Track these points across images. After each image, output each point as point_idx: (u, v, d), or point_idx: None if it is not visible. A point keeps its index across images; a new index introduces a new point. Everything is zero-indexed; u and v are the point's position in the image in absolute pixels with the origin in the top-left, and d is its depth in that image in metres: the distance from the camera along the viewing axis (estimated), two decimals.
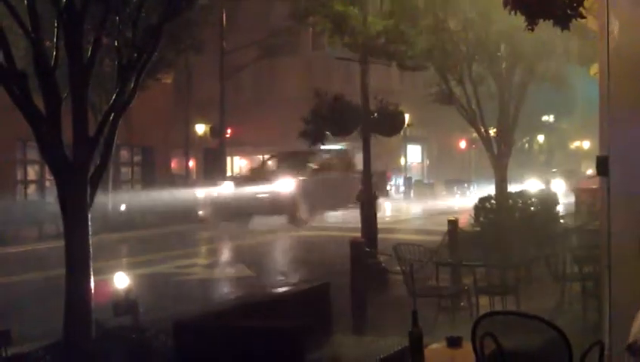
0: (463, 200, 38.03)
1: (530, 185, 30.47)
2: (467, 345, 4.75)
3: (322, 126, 13.27)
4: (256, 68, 39.98)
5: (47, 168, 24.73)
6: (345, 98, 13.27)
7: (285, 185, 24.27)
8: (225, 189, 27.09)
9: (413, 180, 46.59)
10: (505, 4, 6.53)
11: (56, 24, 7.30)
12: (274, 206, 23.90)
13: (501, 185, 19.12)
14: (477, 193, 38.63)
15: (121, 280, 7.73)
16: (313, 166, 26.48)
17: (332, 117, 13.11)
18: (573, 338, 4.01)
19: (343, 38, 13.21)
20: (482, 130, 18.88)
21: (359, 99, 12.91)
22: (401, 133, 14.52)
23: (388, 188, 21.60)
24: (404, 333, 4.79)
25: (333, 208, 25.58)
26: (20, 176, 27.90)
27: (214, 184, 31.27)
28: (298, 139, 13.89)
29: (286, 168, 25.81)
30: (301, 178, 25.14)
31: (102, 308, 7.53)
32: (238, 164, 49.76)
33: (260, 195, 24.35)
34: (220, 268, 15.08)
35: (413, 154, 52.43)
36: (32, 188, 28.39)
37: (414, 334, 4.29)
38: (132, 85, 7.80)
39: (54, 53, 7.32)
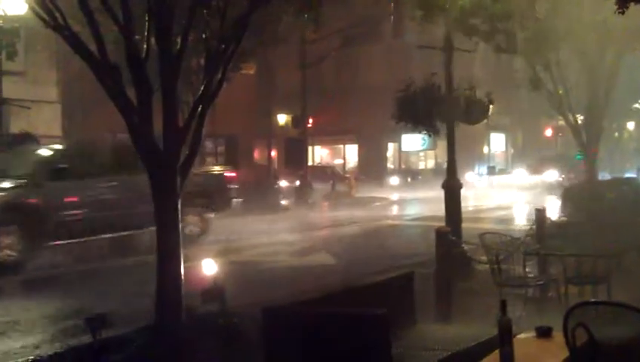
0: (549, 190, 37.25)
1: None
2: (557, 336, 4.67)
3: (408, 117, 13.11)
4: (338, 57, 40.00)
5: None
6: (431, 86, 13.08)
7: None
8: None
9: (497, 169, 45.84)
10: None
11: (147, 17, 7.50)
12: None
13: (590, 174, 18.67)
14: (562, 183, 37.86)
15: (209, 267, 7.91)
16: None
17: (419, 106, 12.94)
18: None
19: (432, 21, 12.94)
20: (570, 116, 18.46)
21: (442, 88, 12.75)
22: (485, 121, 14.27)
23: (234, 198, 17.57)
24: (491, 323, 4.74)
25: None
26: None
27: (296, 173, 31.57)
28: (380, 127, 13.80)
29: None
30: None
31: (191, 294, 7.73)
32: (319, 153, 50.04)
33: None
34: (305, 256, 15.22)
35: (497, 143, 51.56)
36: None
37: (504, 323, 4.23)
38: (219, 76, 7.95)
39: (145, 45, 7.53)
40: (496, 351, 4.21)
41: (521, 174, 42.04)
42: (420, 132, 13.45)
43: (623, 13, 6.62)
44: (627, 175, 29.19)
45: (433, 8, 12.60)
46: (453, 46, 12.73)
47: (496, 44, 14.53)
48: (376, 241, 17.71)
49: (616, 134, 52.64)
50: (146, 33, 7.57)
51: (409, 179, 45.16)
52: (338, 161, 49.35)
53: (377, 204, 30.71)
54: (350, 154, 50.15)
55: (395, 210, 26.47)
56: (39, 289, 11.96)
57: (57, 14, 7.33)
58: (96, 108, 17.88)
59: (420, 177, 45.48)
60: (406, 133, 35.09)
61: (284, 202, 29.71)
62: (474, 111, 13.48)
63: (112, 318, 6.59)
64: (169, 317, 7.41)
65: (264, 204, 26.89)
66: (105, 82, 7.40)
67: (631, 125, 56.67)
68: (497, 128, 46.68)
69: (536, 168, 39.68)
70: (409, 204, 30.03)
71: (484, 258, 8.85)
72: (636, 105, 52.17)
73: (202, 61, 8.40)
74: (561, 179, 34.04)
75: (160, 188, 7.59)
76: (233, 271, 12.02)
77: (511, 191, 33.99)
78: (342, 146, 50.17)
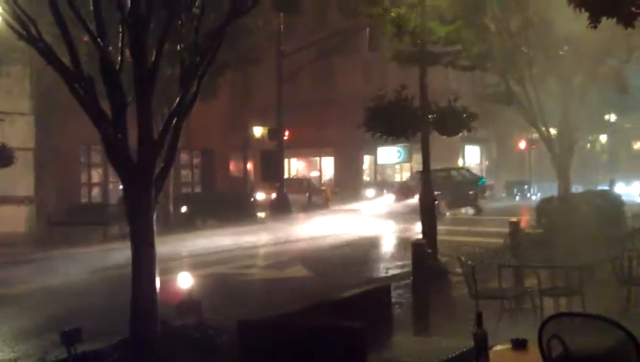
0: (523, 202, 37.51)
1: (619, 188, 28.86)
2: (532, 348, 4.69)
3: (379, 126, 13.25)
4: (314, 70, 40.12)
5: (110, 171, 25.42)
6: (405, 99, 13.21)
7: None
8: None
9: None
10: (569, 1, 6.45)
11: (121, 29, 7.47)
12: None
13: (563, 186, 18.84)
14: (537, 194, 38.07)
15: (185, 281, 7.86)
16: None
17: (390, 118, 13.09)
18: None
19: (401, 40, 13.19)
20: (543, 129, 18.64)
21: (417, 100, 12.86)
22: (460, 133, 14.40)
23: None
24: (467, 335, 4.75)
25: None
26: (84, 178, 28.59)
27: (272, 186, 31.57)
28: (356, 141, 13.92)
29: None
30: None
31: (166, 307, 7.66)
32: (295, 165, 50.04)
33: None
34: (281, 269, 15.18)
35: (472, 155, 51.89)
36: (95, 191, 29.05)
37: (479, 335, 4.24)
38: (194, 89, 7.92)
39: (119, 57, 7.49)
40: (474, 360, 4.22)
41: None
42: (390, 142, 13.59)
43: (595, 27, 6.70)
44: (600, 187, 29.48)
45: (403, 28, 12.77)
46: (427, 60, 12.84)
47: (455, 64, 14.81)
48: (352, 253, 17.70)
49: (589, 146, 53.34)
50: (120, 45, 7.53)
51: (385, 192, 45.27)
52: (314, 174, 49.37)
53: (353, 215, 30.72)
54: (326, 166, 50.21)
55: (370, 221, 26.49)
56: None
57: (31, 26, 7.27)
58: (70, 120, 17.72)
59: (395, 189, 45.59)
60: (381, 145, 35.27)
61: (260, 214, 29.66)
62: (451, 124, 13.60)
63: (87, 332, 6.52)
64: (144, 331, 7.34)
65: (240, 216, 26.82)
66: (79, 94, 7.34)
67: (603, 138, 57.43)
68: (472, 140, 46.99)
69: (404, 192, 33.17)
70: (385, 215, 30.07)
71: (459, 270, 8.88)
72: (608, 118, 52.95)
73: (177, 72, 8.35)
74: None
75: (134, 200, 7.54)
76: (209, 284, 11.96)
77: (488, 204, 34.16)
78: (318, 159, 50.24)
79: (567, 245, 10.35)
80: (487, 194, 34.54)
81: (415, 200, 25.16)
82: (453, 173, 33.79)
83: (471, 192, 32.08)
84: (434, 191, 14.46)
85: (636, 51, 19.26)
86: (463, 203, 31.47)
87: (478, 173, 42.44)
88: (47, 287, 12.93)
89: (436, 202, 23.70)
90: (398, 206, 32.85)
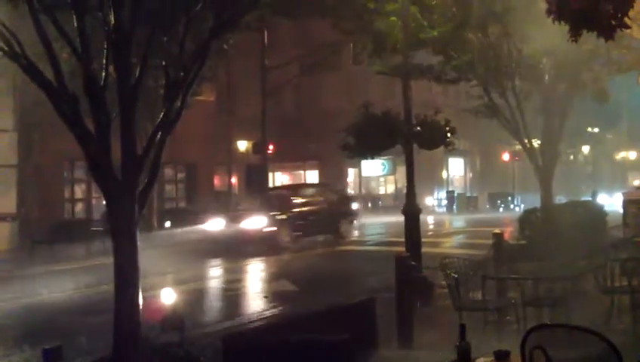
0: (506, 213, 37.70)
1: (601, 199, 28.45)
2: (515, 359, 4.72)
3: (363, 140, 13.32)
4: (298, 85, 40.20)
5: (93, 186, 25.32)
6: (391, 112, 13.29)
7: None
8: None
9: (456, 194, 46.32)
10: (548, 14, 6.52)
11: (105, 45, 7.47)
12: None
13: (546, 197, 18.96)
14: (521, 206, 38.30)
15: (168, 296, 7.83)
16: None
17: (374, 131, 13.16)
18: (622, 351, 3.96)
19: (380, 56, 13.31)
20: (526, 141, 18.78)
21: (401, 113, 12.92)
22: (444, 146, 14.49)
23: None
24: (451, 347, 4.77)
25: None
26: (67, 194, 28.46)
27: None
28: (340, 153, 13.97)
29: None
30: None
31: (150, 323, 7.63)
32: (280, 179, 50.01)
33: None
34: (267, 282, 15.15)
35: (456, 168, 52.13)
36: (79, 207, 28.92)
37: (462, 348, 4.27)
38: (178, 104, 7.93)
39: (103, 73, 7.49)
40: None
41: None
42: (372, 158, 13.69)
43: (575, 41, 6.77)
44: (583, 198, 29.75)
45: (384, 44, 12.88)
46: (411, 73, 12.91)
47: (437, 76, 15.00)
48: (337, 266, 17.71)
49: (572, 158, 53.76)
50: (104, 61, 7.53)
51: (369, 204, 45.35)
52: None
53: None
54: (311, 180, 50.23)
55: (355, 234, 26.50)
56: None
57: (14, 42, 7.27)
58: (53, 136, 17.67)
59: (380, 202, 45.71)
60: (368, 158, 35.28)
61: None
62: (434, 137, 13.66)
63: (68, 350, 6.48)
64: (126, 348, 7.30)
65: None
66: (62, 111, 7.33)
67: (586, 149, 57.94)
68: (456, 153, 47.21)
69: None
70: (370, 228, 30.12)
71: (443, 282, 8.92)
72: (591, 130, 53.43)
73: (162, 88, 8.36)
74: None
75: (118, 216, 7.51)
76: (193, 299, 11.92)
77: (472, 216, 34.22)
78: (302, 172, 50.26)
79: (550, 256, 10.42)
80: (355, 222, 26.81)
81: (245, 224, 21.15)
82: (310, 191, 26.21)
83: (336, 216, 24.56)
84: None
85: (616, 63, 19.49)
86: (320, 229, 23.85)
87: (351, 193, 36.05)
88: (27, 305, 12.83)
89: (274, 229, 20.97)
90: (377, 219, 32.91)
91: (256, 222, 21.46)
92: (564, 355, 4.24)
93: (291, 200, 23.46)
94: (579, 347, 4.28)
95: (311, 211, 23.55)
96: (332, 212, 24.36)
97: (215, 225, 22.42)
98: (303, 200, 23.96)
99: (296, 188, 27.15)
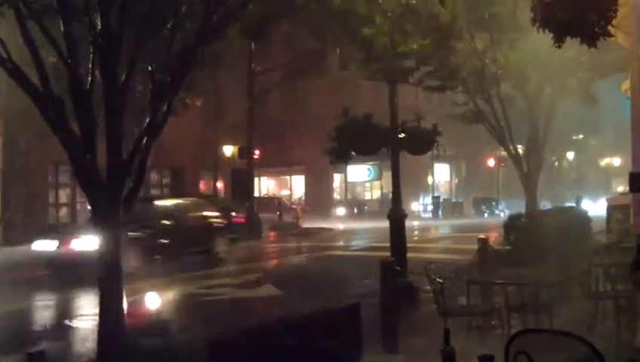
0: (491, 219, 37.87)
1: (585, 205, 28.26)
2: None
3: (348, 144, 13.39)
4: (284, 89, 40.24)
5: (78, 191, 25.21)
6: (373, 117, 13.37)
7: None
8: None
9: (441, 199, 46.47)
10: (533, 22, 6.58)
11: (91, 49, 7.46)
12: None
13: (531, 203, 19.07)
14: (505, 211, 38.51)
15: (153, 301, 7.83)
16: None
17: (359, 136, 13.22)
18: (606, 356, 3.99)
19: (370, 65, 13.39)
20: (511, 147, 18.90)
21: (387, 119, 12.98)
22: (430, 152, 14.56)
23: None
24: (436, 352, 4.80)
25: None
26: (52, 199, 28.32)
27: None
28: (325, 159, 14.01)
29: None
30: None
31: (135, 328, 7.61)
32: (266, 184, 50.00)
33: None
34: (249, 288, 15.13)
35: (441, 173, 52.31)
36: (63, 211, 28.78)
37: (447, 352, 4.30)
38: (164, 109, 7.93)
39: (89, 77, 7.48)
40: None
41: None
42: (360, 160, 13.77)
43: (559, 47, 6.84)
44: (567, 204, 29.89)
45: (370, 52, 12.94)
46: (397, 79, 12.97)
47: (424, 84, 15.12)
48: (322, 272, 17.72)
49: (557, 164, 54.07)
50: (90, 65, 7.52)
51: (355, 210, 45.42)
52: (285, 192, 49.37)
53: (324, 234, 30.78)
54: (297, 185, 50.26)
55: (341, 240, 26.56)
56: None
57: (0, 47, 7.24)
58: (38, 140, 17.57)
59: (366, 208, 45.79)
60: (351, 164, 35.41)
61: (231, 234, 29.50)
62: (419, 143, 13.73)
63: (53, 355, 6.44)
64: (111, 353, 7.28)
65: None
66: (48, 115, 7.31)
67: (571, 155, 58.30)
68: (442, 158, 47.39)
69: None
70: (355, 234, 30.18)
71: (428, 287, 8.95)
72: (575, 137, 53.76)
73: (148, 93, 8.36)
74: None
75: (102, 220, 7.50)
76: (177, 305, 11.88)
77: (457, 221, 34.30)
78: (288, 177, 50.29)
79: (534, 261, 10.48)
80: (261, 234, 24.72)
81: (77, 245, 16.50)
82: (183, 203, 21.46)
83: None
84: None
85: (601, 69, 19.63)
86: (188, 250, 19.91)
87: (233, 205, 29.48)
88: (11, 311, 12.72)
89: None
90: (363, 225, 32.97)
91: (90, 242, 14.13)
92: (548, 360, 4.27)
93: (152, 214, 18.98)
94: (563, 352, 4.31)
95: (178, 228, 19.39)
96: (207, 229, 20.76)
97: (47, 244, 17.60)
98: (171, 215, 19.74)
99: (164, 200, 22.30)
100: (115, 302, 7.37)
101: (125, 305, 7.38)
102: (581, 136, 55.03)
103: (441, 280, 8.50)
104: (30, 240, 18.38)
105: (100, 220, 7.53)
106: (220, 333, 6.22)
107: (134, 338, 7.47)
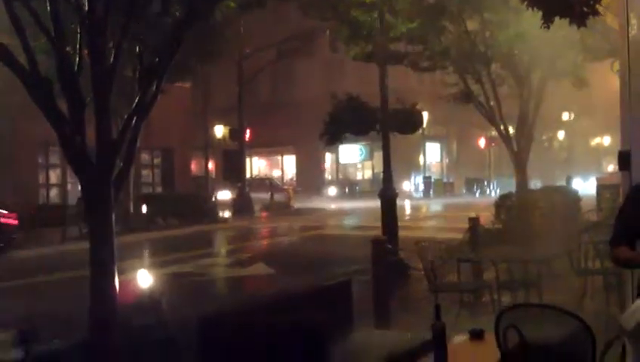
0: (483, 199, 37.99)
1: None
2: (490, 338, 4.78)
3: (341, 127, 13.45)
4: (274, 71, 40.12)
5: (68, 172, 25.12)
6: (361, 98, 13.42)
7: None
8: None
9: (432, 179, 46.55)
10: (522, 0, 6.57)
11: (79, 30, 7.41)
12: None
13: (522, 182, 19.13)
14: (497, 191, 38.63)
15: (144, 280, 7.84)
16: None
17: (350, 118, 13.28)
18: (595, 332, 4.03)
19: (358, 44, 13.39)
20: (502, 127, 18.92)
21: (378, 99, 12.98)
22: (420, 131, 14.61)
23: None
24: (427, 327, 4.83)
25: None
26: (42, 179, 28.23)
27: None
28: (316, 139, 14.07)
29: None
30: None
31: (126, 307, 7.63)
32: (257, 164, 49.97)
33: None
34: (241, 267, 15.17)
35: (433, 153, 52.36)
36: (53, 192, 28.70)
37: (437, 327, 4.32)
38: (153, 89, 7.89)
39: (77, 58, 7.43)
40: (431, 354, 4.29)
41: None
42: (352, 140, 13.84)
43: (548, 27, 6.83)
44: (558, 183, 30.01)
45: (359, 31, 12.93)
46: (387, 59, 12.97)
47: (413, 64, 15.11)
48: (314, 251, 17.77)
49: (547, 144, 54.19)
50: (78, 45, 7.47)
51: (347, 190, 45.48)
52: (276, 173, 49.37)
53: (316, 214, 30.84)
54: (288, 165, 50.25)
55: (333, 220, 26.62)
56: None
57: None
58: (27, 121, 17.48)
59: (357, 188, 45.87)
60: (343, 143, 35.41)
61: (223, 214, 29.59)
62: (409, 122, 13.77)
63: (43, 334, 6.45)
64: (102, 332, 7.29)
65: (201, 216, 26.72)
66: (35, 94, 7.26)
67: (561, 134, 58.42)
68: (432, 138, 47.43)
69: None
70: (347, 214, 30.23)
71: (419, 266, 8.99)
72: (565, 117, 53.84)
73: (137, 72, 8.31)
74: None
75: (93, 201, 7.49)
76: (169, 283, 11.90)
77: (449, 201, 34.36)
78: (280, 157, 50.28)
79: (525, 239, 10.54)
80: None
81: None
82: None
83: None
84: None
85: (594, 52, 19.61)
86: None
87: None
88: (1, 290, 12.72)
89: None
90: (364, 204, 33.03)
91: None
92: (537, 334, 4.31)
93: None
94: (552, 326, 4.35)
95: None
96: None
97: None
98: None
99: None
100: (107, 282, 7.36)
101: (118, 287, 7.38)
102: (572, 115, 55.08)
103: (431, 259, 8.55)
104: None
105: (90, 200, 7.52)
106: (212, 310, 6.24)
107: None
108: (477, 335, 4.89)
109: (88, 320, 7.26)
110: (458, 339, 4.90)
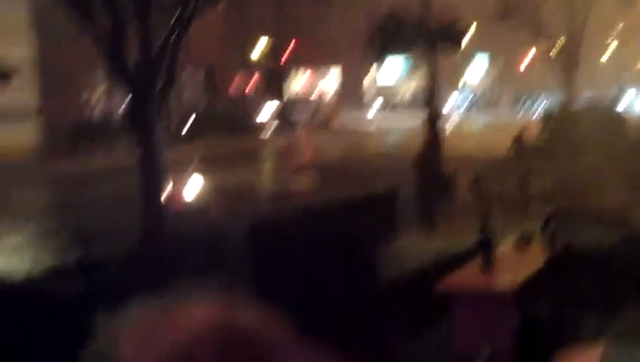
0: (528, 115, 37.38)
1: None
2: (537, 243, 4.82)
3: (386, 41, 13.28)
4: None
5: (114, 88, 25.29)
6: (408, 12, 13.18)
7: None
8: None
9: (477, 94, 45.84)
10: None
11: None
12: None
13: (568, 99, 18.80)
14: (544, 106, 37.75)
15: (194, 188, 7.96)
16: None
17: (396, 31, 13.08)
18: None
19: None
20: (550, 41, 18.47)
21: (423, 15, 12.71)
22: (465, 47, 14.36)
23: None
24: (473, 236, 4.86)
25: None
26: (88, 95, 28.62)
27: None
28: (361, 54, 13.93)
29: None
30: None
31: (176, 213, 7.78)
32: (298, 81, 49.64)
33: None
34: (285, 180, 15.27)
35: (479, 69, 51.39)
36: (100, 107, 29.11)
37: (485, 231, 4.37)
38: (192, 4, 7.87)
39: None
40: (479, 257, 4.35)
41: None
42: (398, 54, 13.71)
43: None
44: (609, 96, 28.88)
45: None
46: None
47: None
48: (358, 166, 17.80)
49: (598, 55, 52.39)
50: None
51: (390, 105, 45.14)
52: (319, 89, 49.09)
53: (359, 130, 30.77)
54: (331, 81, 49.85)
55: (377, 136, 26.55)
56: None
57: None
58: (72, 37, 17.59)
59: (401, 103, 45.47)
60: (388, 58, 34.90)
61: (265, 132, 29.69)
62: (454, 38, 13.55)
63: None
64: (155, 237, 7.50)
65: (242, 133, 26.89)
66: (77, 14, 7.32)
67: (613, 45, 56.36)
68: (478, 54, 46.52)
69: None
70: (390, 129, 30.08)
71: (464, 179, 8.99)
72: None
73: None
74: None
75: (137, 115, 7.61)
76: (219, 190, 12.05)
77: (494, 117, 33.79)
78: (322, 74, 49.86)
79: (568, 156, 10.42)
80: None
81: None
82: None
83: None
84: None
85: None
86: None
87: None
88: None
89: None
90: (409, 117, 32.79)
91: None
92: (585, 239, 4.33)
93: None
94: (600, 231, 4.36)
95: None
96: None
97: None
98: None
99: None
100: (155, 192, 7.54)
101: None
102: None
103: (478, 172, 8.54)
104: None
105: (134, 116, 7.64)
106: (262, 219, 6.36)
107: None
108: (524, 239, 4.92)
109: (140, 225, 7.47)
110: (505, 243, 4.95)
